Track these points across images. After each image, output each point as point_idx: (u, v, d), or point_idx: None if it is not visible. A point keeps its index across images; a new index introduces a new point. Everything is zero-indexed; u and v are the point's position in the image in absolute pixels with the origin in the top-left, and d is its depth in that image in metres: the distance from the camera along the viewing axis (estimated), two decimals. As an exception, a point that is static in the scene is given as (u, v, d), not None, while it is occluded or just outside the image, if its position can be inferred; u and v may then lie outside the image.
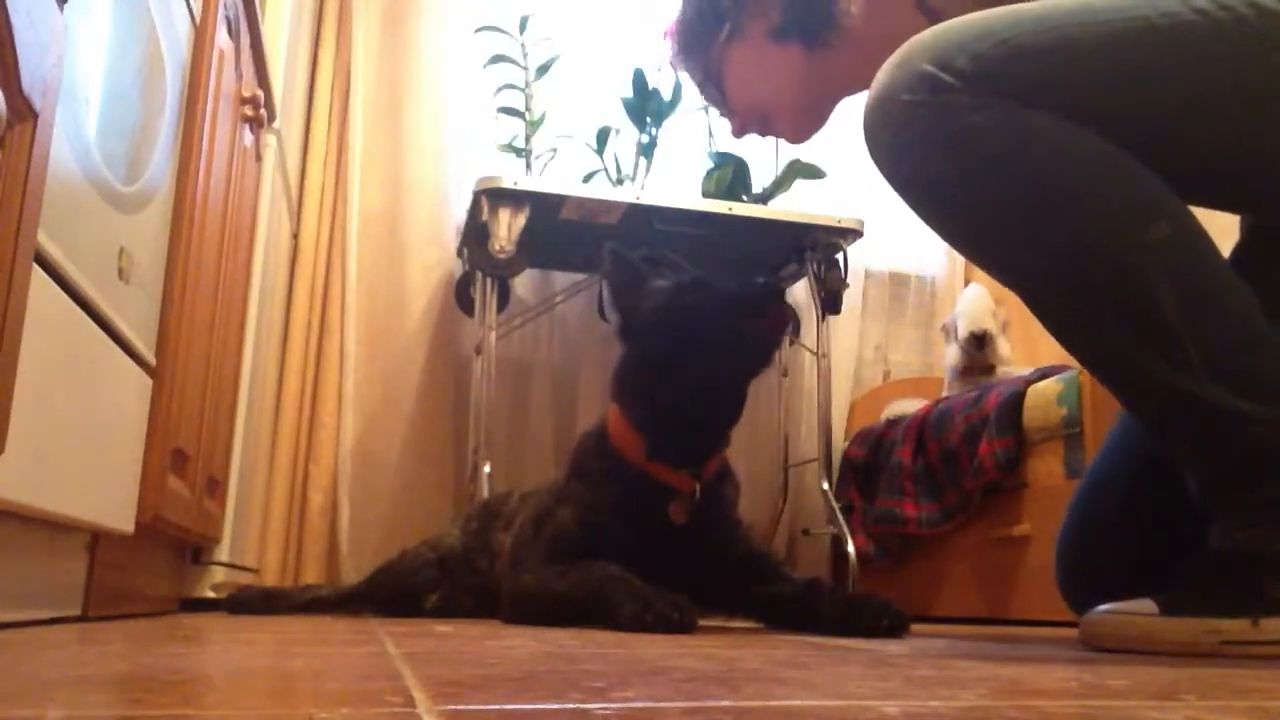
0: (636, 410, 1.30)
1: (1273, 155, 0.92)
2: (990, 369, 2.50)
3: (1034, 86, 0.88)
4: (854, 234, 2.40)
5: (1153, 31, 0.88)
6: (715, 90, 1.31)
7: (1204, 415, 0.88)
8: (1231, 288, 0.90)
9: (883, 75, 0.92)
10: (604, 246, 1.36)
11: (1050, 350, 2.66)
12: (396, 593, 1.60)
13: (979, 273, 3.01)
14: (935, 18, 1.08)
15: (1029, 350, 2.76)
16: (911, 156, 0.92)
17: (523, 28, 2.55)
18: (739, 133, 1.33)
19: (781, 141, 2.51)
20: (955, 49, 0.88)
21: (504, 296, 2.44)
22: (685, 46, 1.31)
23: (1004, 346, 2.51)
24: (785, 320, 1.28)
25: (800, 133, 1.30)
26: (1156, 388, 0.89)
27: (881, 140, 0.93)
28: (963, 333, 2.52)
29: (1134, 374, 0.91)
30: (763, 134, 1.33)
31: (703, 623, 1.24)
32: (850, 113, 2.88)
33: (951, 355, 2.59)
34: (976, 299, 2.54)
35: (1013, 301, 2.90)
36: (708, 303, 1.25)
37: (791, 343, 2.70)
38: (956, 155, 0.89)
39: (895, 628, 1.09)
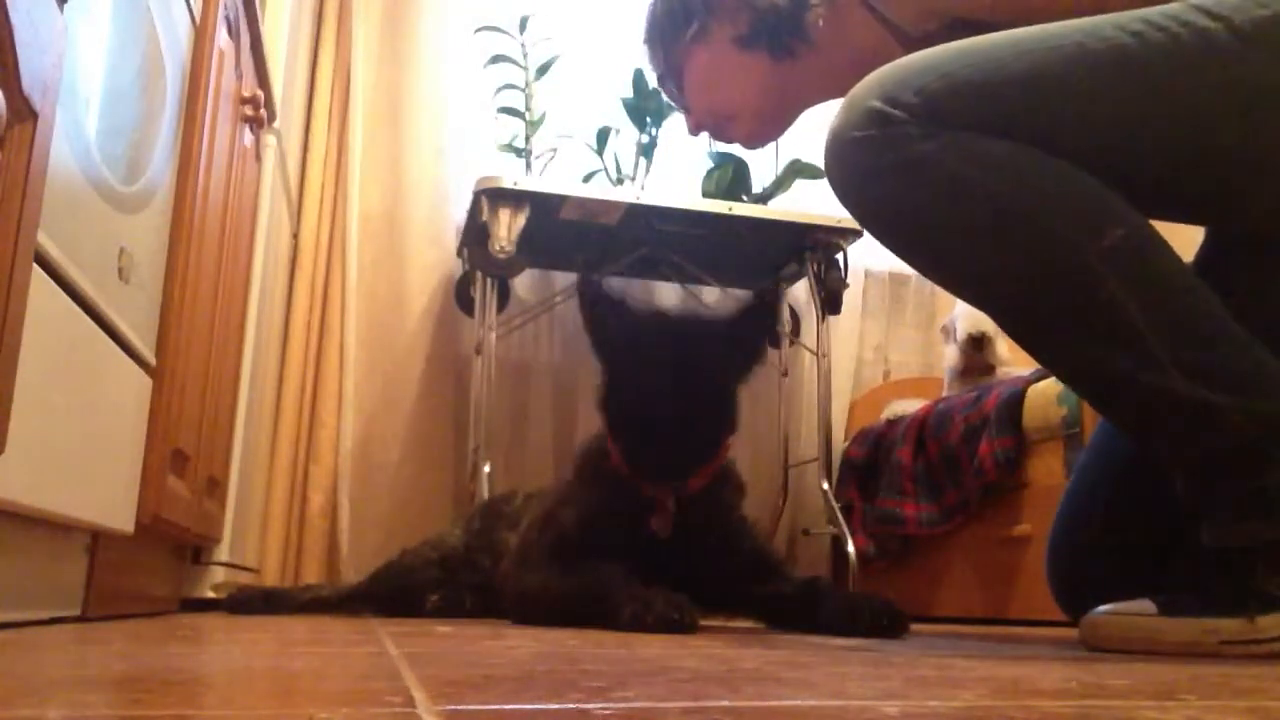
0: (610, 426, 1.32)
1: (1206, 164, 0.94)
2: (990, 369, 2.50)
3: (977, 114, 0.90)
4: (854, 234, 2.39)
5: (1089, 55, 0.90)
6: (673, 86, 1.32)
7: (1180, 412, 0.89)
8: (1191, 285, 0.92)
9: (836, 117, 0.95)
10: (578, 280, 1.35)
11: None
12: (398, 592, 1.60)
13: (979, 273, 3.01)
14: (898, 33, 1.10)
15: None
16: (866, 190, 0.95)
17: (523, 28, 2.55)
18: (694, 131, 1.34)
19: (781, 141, 2.52)
20: (901, 85, 0.91)
21: (504, 296, 2.44)
22: (650, 39, 1.32)
23: (1003, 347, 2.51)
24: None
25: (757, 139, 1.32)
26: (1130, 390, 0.91)
27: (838, 177, 0.96)
28: (961, 334, 2.52)
29: (1106, 379, 0.93)
30: (716, 137, 1.34)
31: (703, 623, 1.25)
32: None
33: (951, 356, 2.59)
34: None
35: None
36: (662, 332, 1.28)
37: (791, 343, 2.70)
38: (908, 184, 0.92)
39: (895, 627, 1.09)
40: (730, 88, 1.26)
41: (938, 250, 0.96)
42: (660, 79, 1.35)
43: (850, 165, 0.94)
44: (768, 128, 1.30)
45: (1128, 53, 0.90)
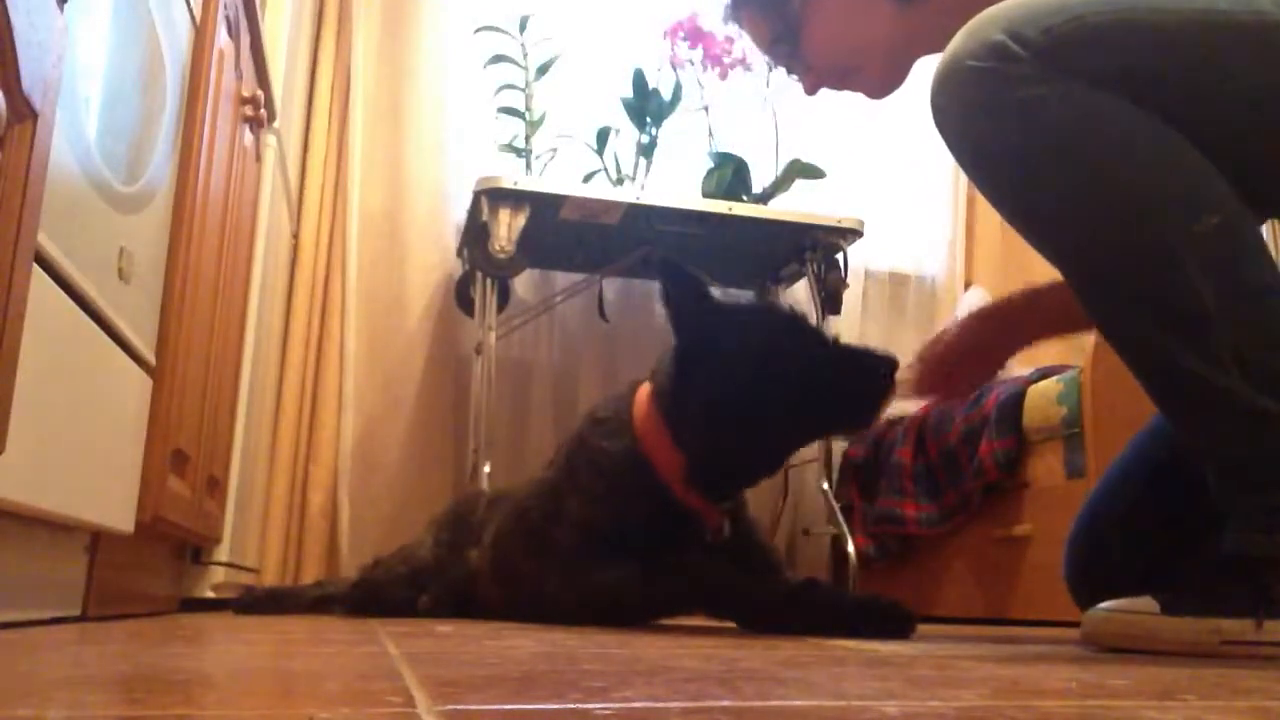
0: (693, 438, 1.21)
1: None
2: (990, 370, 2.50)
3: (1103, 66, 0.87)
4: (854, 234, 2.39)
5: (1235, 25, 0.87)
6: (789, 46, 1.23)
7: (1228, 411, 0.87)
8: (1273, 286, 0.89)
9: (954, 42, 0.91)
10: (656, 257, 1.27)
11: (1050, 350, 2.66)
12: (373, 604, 1.55)
13: (979, 275, 3.01)
14: None
15: (1029, 350, 2.75)
16: (972, 123, 0.92)
17: (523, 28, 2.55)
18: (812, 89, 1.26)
19: (781, 141, 2.53)
20: (1028, 20, 0.87)
21: (504, 296, 2.44)
22: (756, 1, 1.24)
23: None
24: (889, 392, 1.20)
25: (886, 87, 1.24)
26: (1184, 379, 0.88)
27: (945, 105, 0.92)
28: (964, 341, 2.50)
29: (1164, 363, 0.90)
30: (839, 89, 1.26)
31: (703, 623, 1.25)
32: (848, 114, 2.87)
33: (951, 358, 2.58)
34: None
35: (1013, 302, 2.86)
36: (817, 358, 1.19)
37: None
38: (1017, 127, 0.88)
39: (903, 628, 1.09)
40: (857, 35, 1.19)
41: (1023, 197, 0.93)
42: (771, 41, 1.25)
43: (958, 94, 0.91)
44: (896, 73, 1.22)
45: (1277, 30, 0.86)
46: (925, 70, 1.00)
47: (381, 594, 1.56)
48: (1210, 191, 0.87)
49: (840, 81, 1.25)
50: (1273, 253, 1.93)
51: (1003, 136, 0.90)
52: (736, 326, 1.22)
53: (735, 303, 1.27)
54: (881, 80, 1.24)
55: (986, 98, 0.89)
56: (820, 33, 1.21)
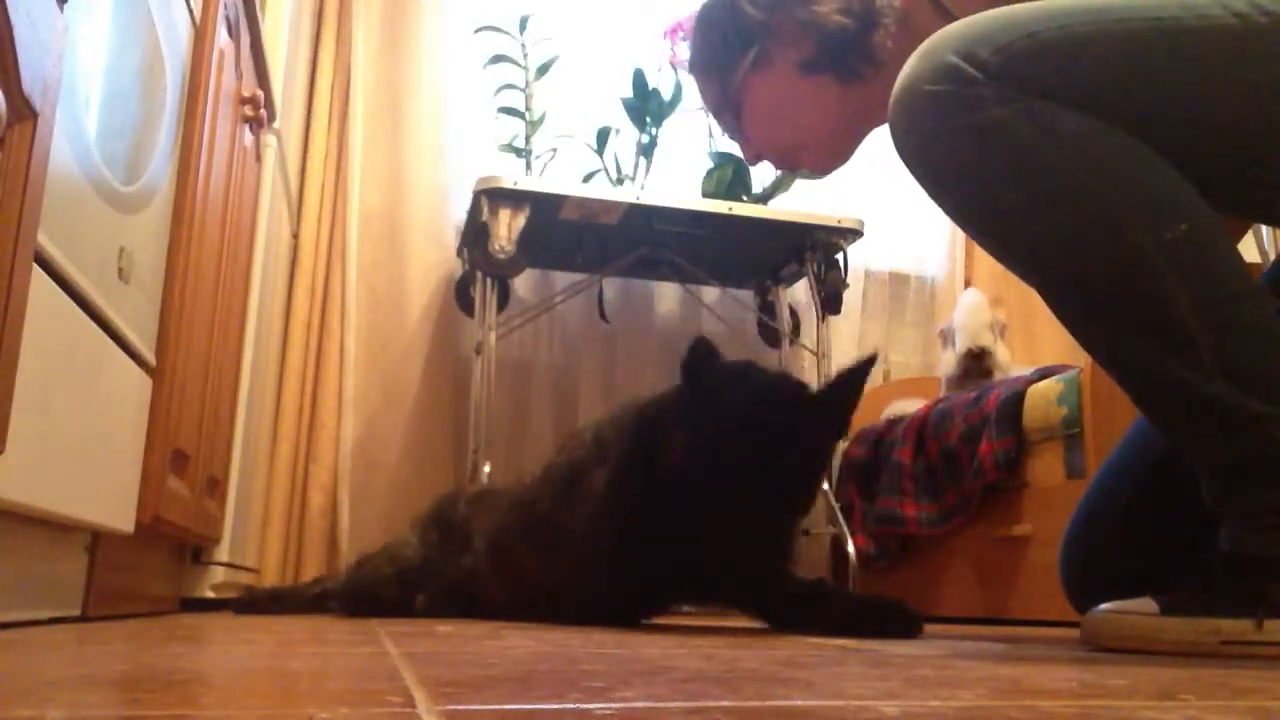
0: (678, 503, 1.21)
1: None
2: (988, 373, 2.50)
3: (1058, 81, 0.87)
4: (854, 234, 2.40)
5: (1184, 31, 0.87)
6: (731, 118, 1.24)
7: (1215, 414, 0.87)
8: (1249, 289, 0.89)
9: (909, 65, 0.91)
10: (692, 339, 1.17)
11: (1050, 350, 2.66)
12: (363, 603, 1.53)
13: (978, 275, 3.01)
14: None
15: (1029, 350, 2.75)
16: (931, 147, 0.91)
17: (523, 28, 2.55)
18: (753, 161, 1.28)
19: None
20: (980, 41, 0.87)
21: (504, 296, 2.44)
22: (703, 67, 1.24)
23: (1003, 354, 2.50)
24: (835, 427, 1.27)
25: (828, 166, 1.26)
26: (1169, 385, 0.88)
27: (903, 129, 0.92)
28: (960, 348, 2.50)
29: (1147, 371, 0.90)
30: (780, 166, 1.28)
31: (703, 622, 1.25)
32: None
33: (948, 364, 2.57)
34: (974, 310, 2.52)
35: (1012, 303, 2.88)
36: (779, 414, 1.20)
37: (791, 342, 2.71)
38: (976, 148, 0.88)
39: (909, 629, 1.09)
40: (799, 116, 1.19)
41: (993, 219, 0.93)
42: (716, 111, 1.27)
43: (916, 121, 0.90)
44: (839, 154, 1.24)
45: (1230, 34, 0.86)
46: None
47: (374, 594, 1.54)
48: (1177, 198, 0.87)
49: (783, 161, 1.25)
50: (1273, 256, 1.94)
51: (965, 160, 0.89)
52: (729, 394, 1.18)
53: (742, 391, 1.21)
54: (827, 159, 1.24)
55: (945, 122, 0.89)
56: (758, 113, 1.21)
